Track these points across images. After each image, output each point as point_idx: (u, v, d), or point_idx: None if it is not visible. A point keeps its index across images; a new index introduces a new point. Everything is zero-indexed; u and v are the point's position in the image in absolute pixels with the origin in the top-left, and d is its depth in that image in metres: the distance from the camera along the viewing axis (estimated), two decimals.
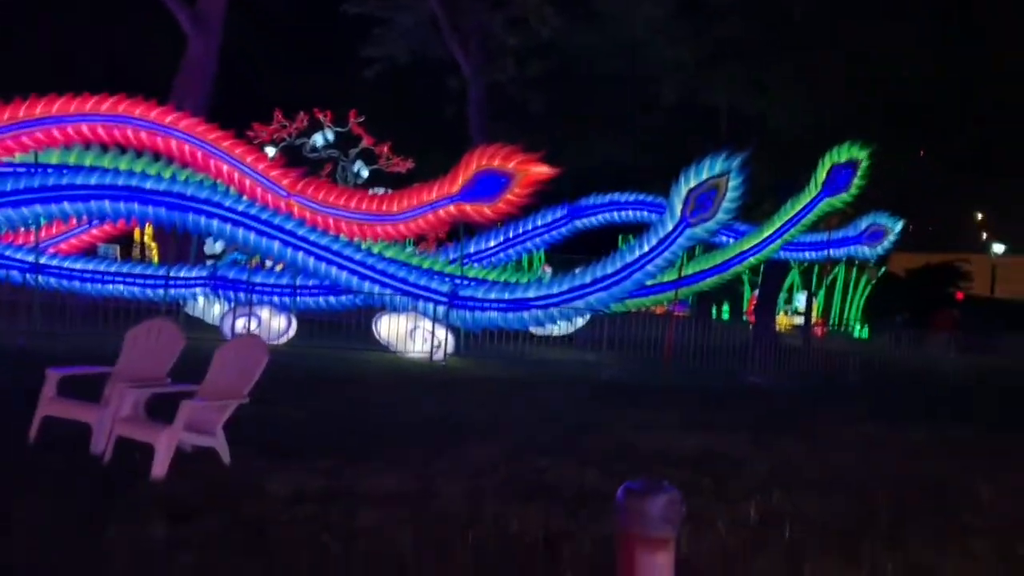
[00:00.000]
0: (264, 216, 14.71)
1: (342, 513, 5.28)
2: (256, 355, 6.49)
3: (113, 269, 15.60)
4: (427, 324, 15.50)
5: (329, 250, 15.13)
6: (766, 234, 20.20)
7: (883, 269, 38.37)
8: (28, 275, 14.39)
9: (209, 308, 16.29)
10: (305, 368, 11.84)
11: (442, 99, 27.34)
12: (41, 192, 13.46)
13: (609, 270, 16.25)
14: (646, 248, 16.37)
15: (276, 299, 15.97)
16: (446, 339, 15.47)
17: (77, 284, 15.17)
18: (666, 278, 17.96)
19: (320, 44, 31.38)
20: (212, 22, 21.37)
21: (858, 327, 35.85)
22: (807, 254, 22.04)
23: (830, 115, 24.83)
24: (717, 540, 5.21)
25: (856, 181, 20.03)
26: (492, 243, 18.70)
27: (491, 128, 24.52)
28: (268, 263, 17.75)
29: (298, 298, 15.87)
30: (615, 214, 19.73)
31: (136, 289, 15.52)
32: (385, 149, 27.54)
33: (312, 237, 15.02)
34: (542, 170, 16.07)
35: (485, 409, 9.83)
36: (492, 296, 15.91)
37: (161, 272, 15.77)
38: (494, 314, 15.93)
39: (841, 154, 19.99)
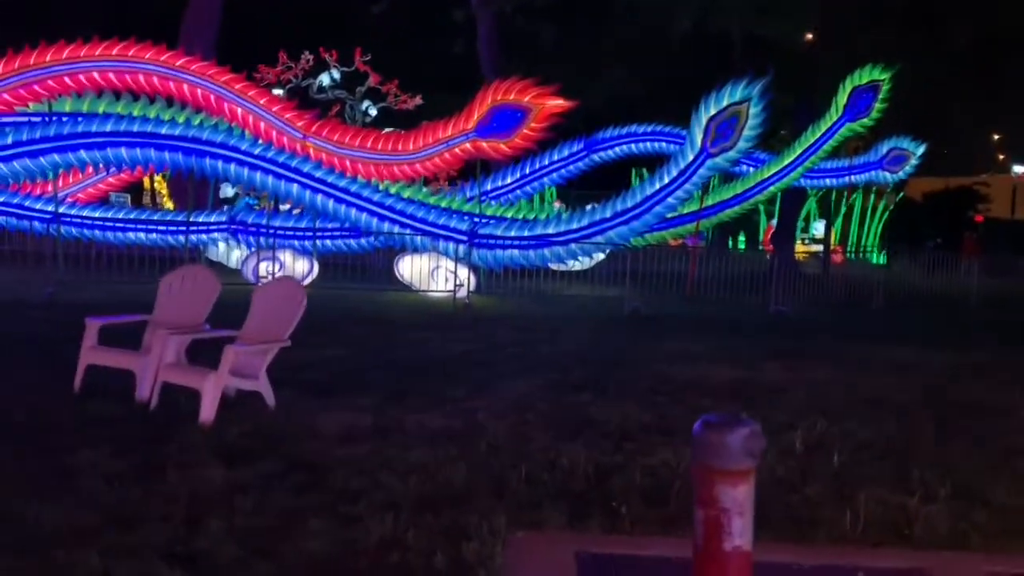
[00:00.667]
0: (281, 159, 14.58)
1: (396, 450, 5.33)
2: (295, 298, 6.49)
3: (132, 216, 15.57)
4: (448, 263, 15.47)
5: (347, 192, 15.02)
6: (787, 161, 19.93)
7: (900, 195, 37.91)
8: (50, 225, 14.37)
9: (229, 253, 16.30)
10: (333, 310, 11.86)
11: (451, 34, 26.78)
12: (57, 141, 13.34)
13: (629, 203, 16.07)
14: (666, 180, 16.15)
15: (296, 242, 15.95)
16: (467, 278, 15.45)
17: (97, 233, 15.16)
18: (687, 209, 17.81)
19: None
20: None
21: (876, 253, 35.61)
22: (828, 180, 21.78)
23: (841, 33, 24.32)
24: (766, 468, 5.24)
25: (877, 104, 19.65)
26: (509, 180, 18.55)
27: (502, 63, 24.03)
28: (284, 206, 17.69)
29: (319, 241, 15.83)
30: (632, 146, 19.49)
31: (156, 236, 15.52)
32: (393, 87, 27.14)
33: (330, 179, 14.90)
34: (558, 103, 15.88)
35: (515, 346, 9.86)
36: (512, 233, 15.81)
37: (181, 218, 15.73)
38: (514, 251, 15.86)
39: (862, 77, 19.57)
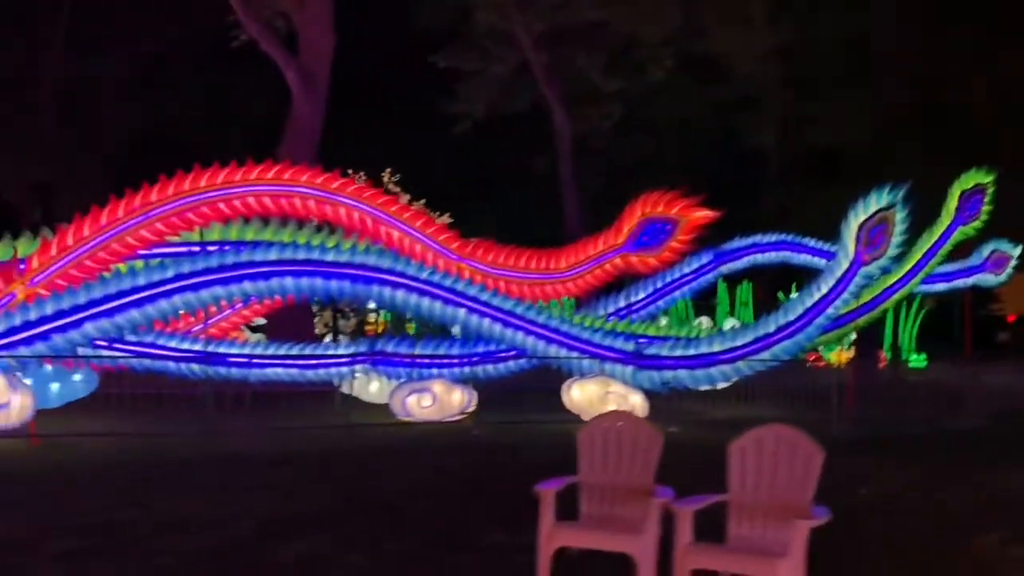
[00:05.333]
0: (448, 283, 13.51)
1: None
2: (805, 450, 5.28)
3: (270, 351, 14.15)
4: (617, 388, 14.33)
5: (513, 315, 13.95)
6: (908, 268, 19.53)
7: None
8: (197, 365, 12.91)
9: (366, 386, 14.96)
10: (535, 448, 10.51)
11: (526, 152, 26.37)
12: (220, 272, 12.07)
13: (792, 317, 15.33)
14: (824, 290, 15.51)
15: (441, 370, 14.58)
16: (639, 403, 14.25)
17: (232, 370, 13.72)
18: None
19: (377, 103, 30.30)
20: (319, 78, 20.08)
21: (914, 356, 35.44)
22: (940, 285, 21.43)
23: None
24: None
25: (984, 207, 19.60)
26: (641, 295, 17.66)
27: (582, 177, 23.56)
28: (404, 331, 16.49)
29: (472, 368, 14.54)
30: (758, 256, 18.89)
31: (294, 371, 14.13)
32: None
33: (495, 302, 13.84)
34: (705, 214, 15.51)
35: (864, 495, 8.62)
36: (677, 353, 14.81)
37: (320, 351, 14.41)
38: (681, 371, 14.83)
39: (968, 181, 19.56)
